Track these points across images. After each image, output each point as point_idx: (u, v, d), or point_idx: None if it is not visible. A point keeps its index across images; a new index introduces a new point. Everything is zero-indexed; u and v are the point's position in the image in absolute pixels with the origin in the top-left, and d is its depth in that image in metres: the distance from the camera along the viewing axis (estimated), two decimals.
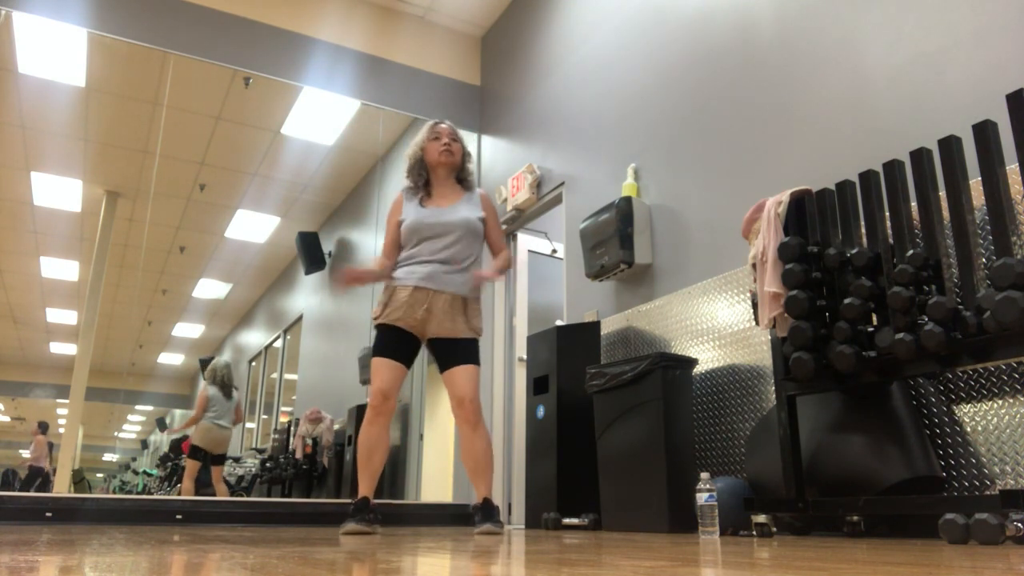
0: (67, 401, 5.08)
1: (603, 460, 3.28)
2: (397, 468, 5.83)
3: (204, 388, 5.56)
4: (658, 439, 3.00)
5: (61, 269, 6.08)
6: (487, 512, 2.88)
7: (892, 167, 2.31)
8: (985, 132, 2.04)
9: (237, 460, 6.19)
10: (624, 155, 4.22)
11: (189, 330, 6.72)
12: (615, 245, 3.81)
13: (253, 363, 6.95)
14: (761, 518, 2.41)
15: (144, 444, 6.37)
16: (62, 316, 6.21)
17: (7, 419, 6.06)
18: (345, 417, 5.88)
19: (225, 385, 5.58)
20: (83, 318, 5.26)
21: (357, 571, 1.10)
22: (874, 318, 2.28)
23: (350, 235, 6.53)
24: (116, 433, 6.14)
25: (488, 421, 5.04)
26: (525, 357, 4.41)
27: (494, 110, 5.96)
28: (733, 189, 3.42)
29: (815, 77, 3.10)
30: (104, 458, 6.14)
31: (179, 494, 5.57)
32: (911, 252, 2.15)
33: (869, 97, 2.85)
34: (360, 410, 5.62)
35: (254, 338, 7.01)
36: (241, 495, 6.02)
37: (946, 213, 2.31)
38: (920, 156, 2.22)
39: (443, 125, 3.25)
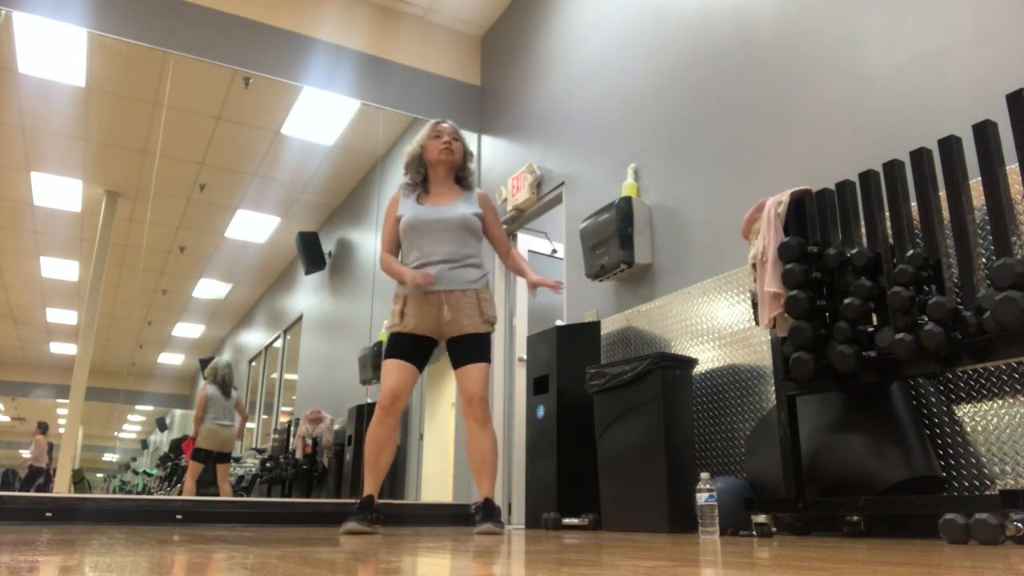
0: (67, 401, 5.08)
1: (603, 460, 3.28)
2: (397, 468, 5.83)
3: (203, 387, 5.56)
4: (658, 439, 3.00)
5: (61, 269, 6.08)
6: (488, 512, 2.88)
7: (892, 167, 2.31)
8: (985, 132, 2.04)
9: (237, 460, 6.19)
10: (624, 155, 4.22)
11: (189, 330, 6.71)
12: (615, 245, 3.81)
13: (253, 363, 6.95)
14: (761, 518, 2.41)
15: (144, 444, 6.37)
16: (62, 316, 6.21)
17: (7, 419, 6.06)
18: (345, 417, 5.88)
19: (224, 384, 5.58)
20: (83, 318, 5.26)
21: (357, 571, 1.10)
22: (874, 318, 2.28)
23: (350, 235, 6.53)
24: (116, 433, 6.13)
25: None
26: (525, 357, 4.41)
27: (494, 110, 5.96)
28: (733, 189, 3.42)
29: (815, 77, 3.10)
30: (104, 458, 6.14)
31: (179, 494, 5.57)
32: (911, 252, 2.15)
33: (869, 97, 2.85)
34: (360, 410, 5.61)
35: (254, 338, 7.01)
36: (241, 495, 6.02)
37: (946, 213, 2.31)
38: (920, 156, 2.22)
39: (445, 124, 3.25)
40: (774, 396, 2.78)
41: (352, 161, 6.38)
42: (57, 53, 5.08)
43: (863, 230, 2.46)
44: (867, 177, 2.38)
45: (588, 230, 4.04)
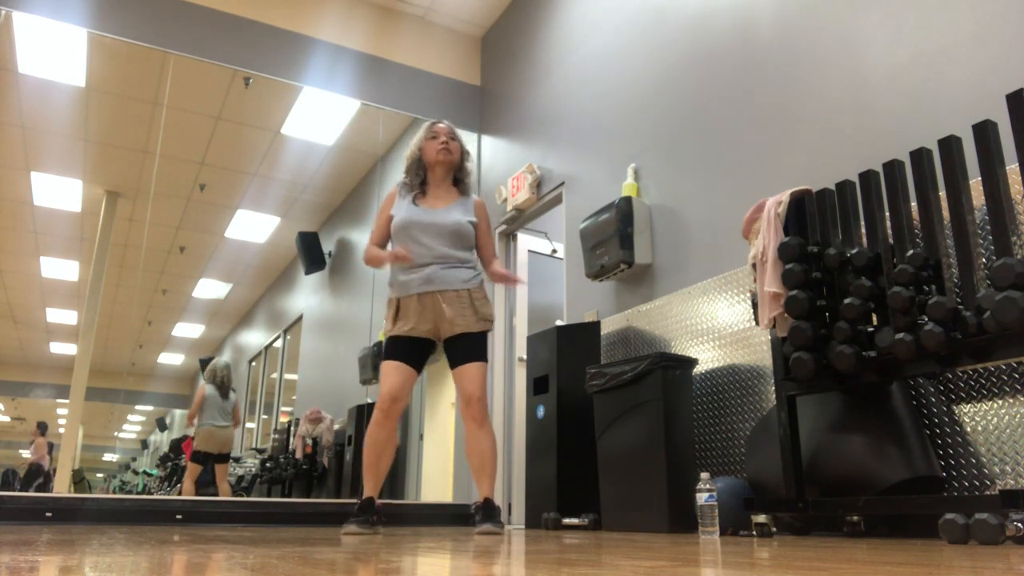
0: (67, 401, 5.08)
1: (603, 460, 3.28)
2: (397, 468, 5.83)
3: (202, 386, 5.57)
4: (658, 439, 3.00)
5: (61, 269, 6.08)
6: (488, 512, 2.88)
7: (892, 167, 2.31)
8: (985, 132, 2.04)
9: (237, 460, 6.19)
10: (624, 155, 4.22)
11: (189, 330, 6.71)
12: (615, 245, 3.81)
13: (253, 363, 6.95)
14: (761, 518, 2.41)
15: (144, 444, 6.37)
16: (62, 316, 6.21)
17: (7, 419, 6.06)
18: (345, 417, 5.88)
19: (223, 385, 5.58)
20: (83, 318, 5.26)
21: (357, 571, 1.10)
22: (874, 318, 2.28)
23: (350, 235, 6.53)
24: (116, 433, 6.13)
25: None
26: (525, 357, 4.41)
27: (494, 110, 5.96)
28: (733, 189, 3.42)
29: (815, 77, 3.10)
30: (104, 458, 6.14)
31: (179, 494, 5.57)
32: (911, 252, 2.15)
33: (869, 97, 2.85)
34: (360, 410, 5.62)
35: (254, 338, 7.01)
36: (241, 495, 6.02)
37: (946, 213, 2.31)
38: (920, 156, 2.22)
39: (441, 124, 3.24)
40: (774, 396, 2.78)
41: (352, 161, 6.38)
42: (57, 53, 5.08)
43: (863, 230, 2.46)
44: (867, 177, 2.38)
45: (588, 230, 4.04)
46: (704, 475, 2.49)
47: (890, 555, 1.42)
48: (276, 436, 6.39)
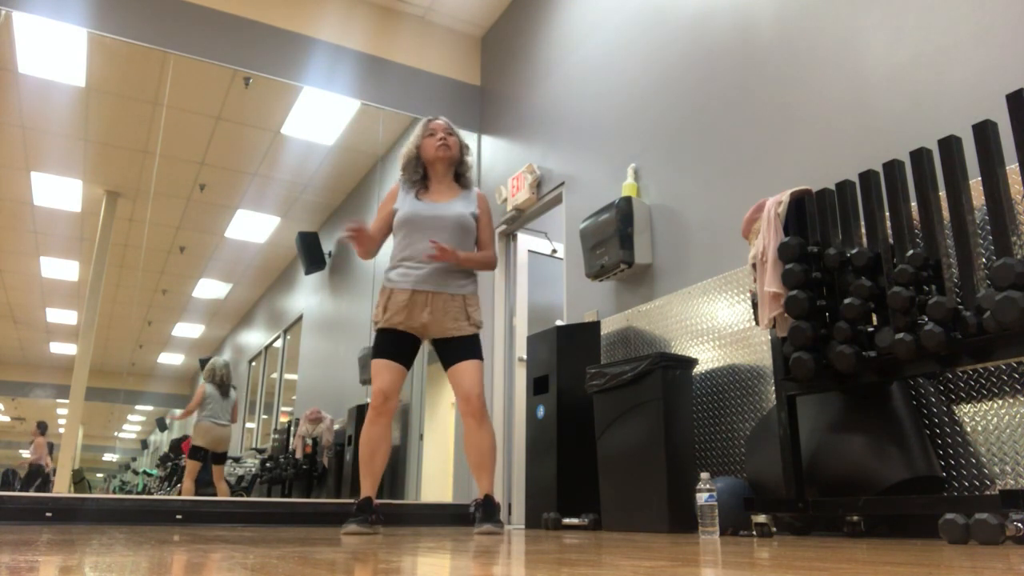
0: (67, 401, 5.08)
1: (603, 460, 3.28)
2: (397, 468, 5.83)
3: (202, 385, 5.57)
4: (658, 439, 3.00)
5: (61, 269, 6.08)
6: (488, 511, 2.88)
7: (892, 167, 2.31)
8: (985, 132, 2.04)
9: (237, 460, 6.19)
10: (624, 155, 4.22)
11: (189, 330, 6.71)
12: (615, 245, 3.81)
13: (253, 363, 6.95)
14: (761, 518, 2.41)
15: (144, 444, 6.37)
16: (62, 316, 6.21)
17: (7, 419, 6.05)
18: (345, 417, 5.88)
19: (223, 384, 5.58)
20: (83, 318, 5.26)
21: (357, 571, 1.10)
22: (874, 318, 2.28)
23: None
24: (116, 433, 6.13)
25: None
26: (525, 357, 4.41)
27: (494, 110, 5.96)
28: (733, 189, 3.42)
29: (815, 77, 3.10)
30: (104, 458, 6.14)
31: (179, 494, 5.57)
32: (911, 252, 2.15)
33: (869, 97, 2.85)
34: (360, 410, 5.62)
35: (254, 338, 7.01)
36: (241, 495, 6.02)
37: (946, 213, 2.31)
38: (920, 156, 2.22)
39: (438, 121, 3.24)
40: (774, 396, 2.78)
41: (352, 161, 6.38)
42: (57, 53, 5.08)
43: (863, 230, 2.46)
44: (867, 177, 2.38)
45: (588, 230, 4.04)
46: (704, 475, 2.49)
47: (890, 555, 1.42)
48: (276, 436, 6.39)
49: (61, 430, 5.19)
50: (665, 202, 3.84)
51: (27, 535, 2.28)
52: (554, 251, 5.62)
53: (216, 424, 5.47)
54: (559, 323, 4.55)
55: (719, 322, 3.32)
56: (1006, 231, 1.95)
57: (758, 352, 3.10)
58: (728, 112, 3.52)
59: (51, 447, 6.14)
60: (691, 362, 3.19)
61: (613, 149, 4.33)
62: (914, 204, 2.49)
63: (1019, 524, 1.73)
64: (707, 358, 3.36)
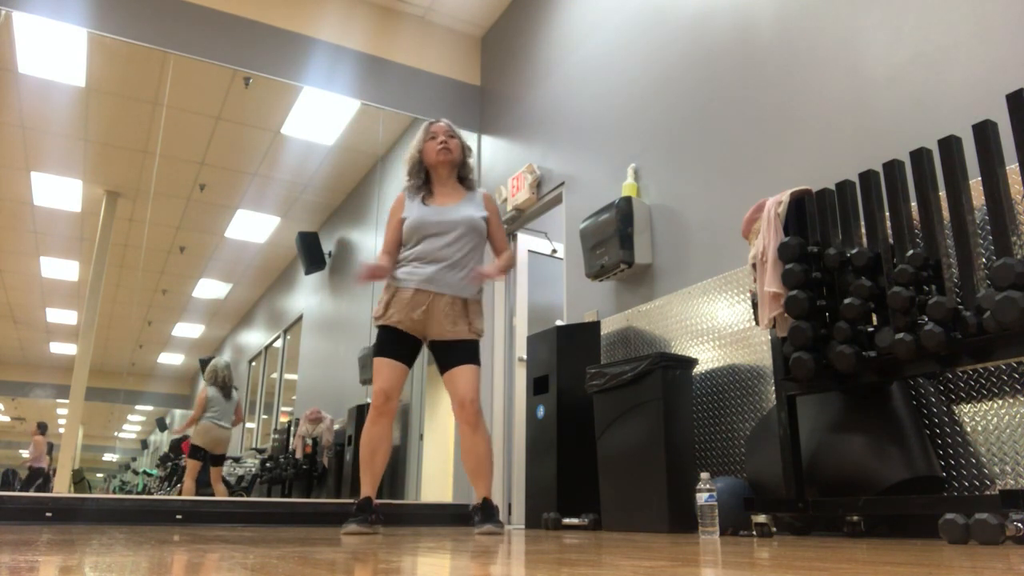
0: (67, 401, 5.08)
1: (603, 460, 3.28)
2: (397, 468, 5.83)
3: (203, 388, 5.56)
4: (658, 439, 3.00)
5: (61, 269, 6.08)
6: (487, 512, 2.88)
7: (892, 167, 2.31)
8: (985, 132, 2.04)
9: (237, 460, 6.19)
10: (624, 155, 4.22)
11: (189, 330, 6.72)
12: (615, 245, 3.81)
13: (253, 363, 6.96)
14: (761, 518, 2.41)
15: (144, 444, 6.37)
16: (62, 316, 6.21)
17: (7, 419, 6.05)
18: (345, 417, 5.88)
19: (225, 386, 5.58)
20: (83, 318, 5.26)
21: (357, 571, 1.10)
22: (874, 318, 2.28)
23: (350, 235, 6.53)
24: (116, 433, 6.14)
25: (488, 421, 5.04)
26: (525, 357, 4.41)
27: (494, 110, 5.96)
28: (733, 189, 3.42)
29: (815, 77, 3.10)
30: (104, 458, 6.14)
31: (179, 494, 5.57)
32: (911, 252, 2.15)
33: (869, 97, 2.85)
34: (360, 410, 5.61)
35: (254, 338, 7.01)
36: (241, 495, 6.02)
37: (946, 213, 2.31)
38: (920, 156, 2.22)
39: (439, 123, 3.23)
40: (774, 396, 2.78)
41: (352, 161, 6.38)
42: (57, 53, 5.08)
43: (863, 230, 2.46)
44: (867, 177, 2.38)
45: (588, 230, 4.04)
46: (704, 475, 2.49)
47: (890, 555, 1.42)
48: (276, 436, 6.39)
49: (61, 430, 5.20)
50: (665, 202, 3.84)
51: (27, 535, 2.28)
52: (554, 251, 5.62)
53: (217, 425, 5.46)
54: (559, 323, 4.55)
55: (719, 322, 3.33)
56: (1006, 231, 1.95)
57: (758, 352, 3.10)
58: (728, 112, 3.52)
59: (51, 447, 6.13)
60: (691, 362, 3.19)
61: (613, 149, 4.33)
62: (914, 204, 2.48)
63: (1019, 524, 1.73)
64: (707, 358, 3.36)
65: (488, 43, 6.28)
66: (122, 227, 5.79)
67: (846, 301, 2.27)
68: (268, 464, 6.16)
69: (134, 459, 6.27)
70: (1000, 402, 2.21)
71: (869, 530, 2.44)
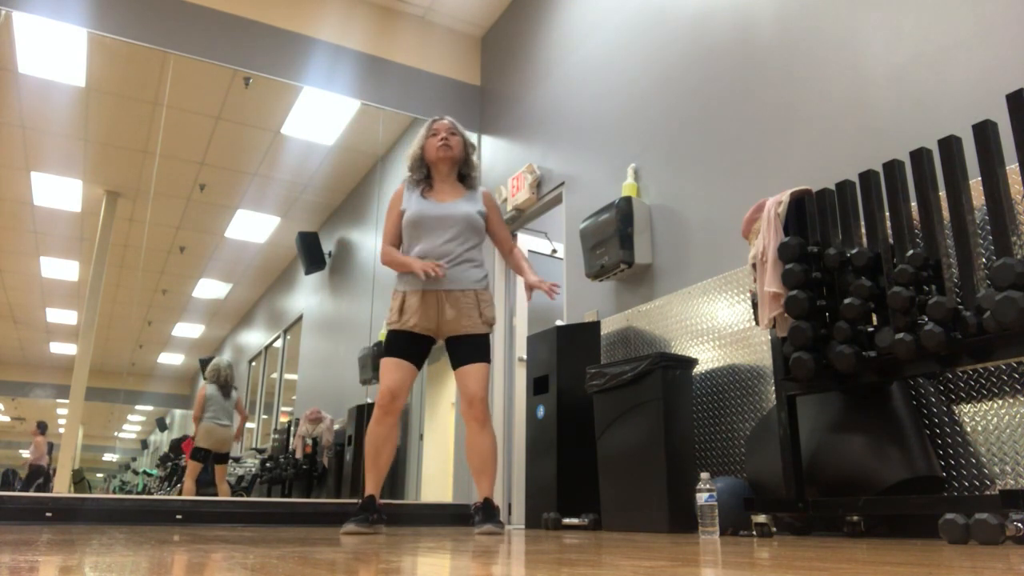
0: (67, 401, 5.08)
1: (603, 460, 3.28)
2: (397, 468, 5.83)
3: (203, 387, 5.56)
4: (658, 439, 3.00)
5: (61, 269, 6.08)
6: (488, 512, 2.88)
7: (892, 167, 2.31)
8: (985, 132, 2.04)
9: (237, 460, 6.18)
10: (624, 155, 4.22)
11: (189, 330, 6.71)
12: (615, 245, 3.81)
13: (253, 363, 6.95)
14: (761, 518, 2.41)
15: (144, 444, 6.37)
16: (62, 316, 6.21)
17: (7, 419, 6.05)
18: (345, 417, 5.88)
19: (225, 384, 5.58)
20: (83, 318, 5.26)
21: (357, 571, 1.10)
22: (874, 318, 2.28)
23: (350, 235, 6.53)
24: (116, 433, 6.13)
25: None
26: (525, 357, 4.41)
27: (494, 110, 5.96)
28: (733, 189, 3.42)
29: (815, 77, 3.10)
30: (104, 458, 6.14)
31: (179, 494, 5.57)
32: (911, 252, 2.15)
33: (869, 97, 2.85)
34: (360, 410, 5.62)
35: (254, 338, 7.01)
36: (241, 495, 6.02)
37: (946, 213, 2.31)
38: (920, 156, 2.22)
39: (442, 121, 3.23)
40: (774, 396, 2.78)
41: (352, 161, 6.38)
42: (57, 53, 5.08)
43: (863, 230, 2.46)
44: (867, 177, 2.38)
45: (588, 230, 4.04)
46: (704, 475, 2.49)
47: (890, 555, 1.42)
48: (276, 436, 6.39)
49: (61, 430, 5.19)
50: (665, 202, 3.84)
51: (27, 535, 2.28)
52: (554, 251, 5.62)
53: (219, 425, 5.47)
54: (559, 323, 4.55)
55: (719, 322, 3.32)
56: (1006, 231, 1.95)
57: (758, 352, 3.10)
58: (728, 112, 3.52)
59: (51, 447, 6.14)
60: (691, 362, 3.19)
61: (613, 149, 4.33)
62: (914, 204, 2.48)
63: (1019, 524, 1.73)
64: (707, 358, 3.36)
65: (488, 43, 6.28)
66: (122, 227, 5.79)
67: (846, 301, 2.27)
68: (268, 464, 6.16)
69: (134, 459, 6.27)
70: (1000, 402, 2.21)
71: (869, 530, 2.44)
